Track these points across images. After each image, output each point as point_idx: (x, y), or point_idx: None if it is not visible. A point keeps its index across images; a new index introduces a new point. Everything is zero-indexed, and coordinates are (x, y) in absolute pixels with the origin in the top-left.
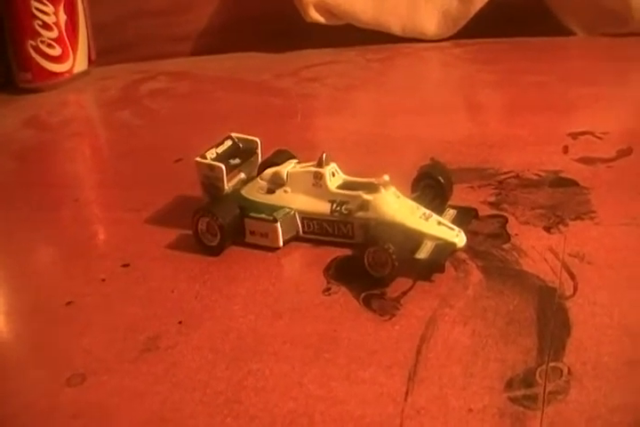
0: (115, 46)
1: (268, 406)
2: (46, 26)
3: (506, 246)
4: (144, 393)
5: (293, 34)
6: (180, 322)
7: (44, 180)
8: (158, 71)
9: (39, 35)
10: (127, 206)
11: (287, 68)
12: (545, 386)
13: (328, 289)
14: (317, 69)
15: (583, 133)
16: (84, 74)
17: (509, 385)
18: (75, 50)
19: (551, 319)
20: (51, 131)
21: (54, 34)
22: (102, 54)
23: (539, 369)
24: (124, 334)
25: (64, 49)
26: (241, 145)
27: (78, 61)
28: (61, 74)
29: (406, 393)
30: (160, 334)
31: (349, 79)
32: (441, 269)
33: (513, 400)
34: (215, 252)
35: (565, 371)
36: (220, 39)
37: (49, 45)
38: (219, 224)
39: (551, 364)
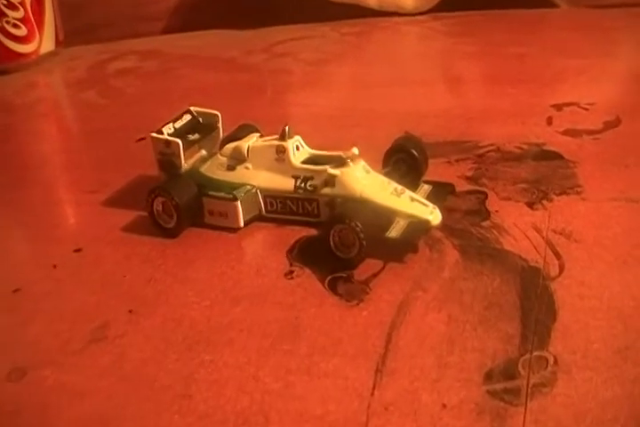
0: (84, 26)
1: (219, 402)
2: (11, 5)
3: (485, 224)
4: (87, 389)
5: (266, 10)
6: (130, 310)
7: (4, 161)
8: (127, 50)
9: (4, 15)
10: (84, 188)
11: (258, 45)
12: (528, 378)
13: (291, 272)
14: (290, 45)
15: (568, 105)
16: (51, 55)
17: (489, 377)
18: (41, 30)
19: (535, 303)
20: (16, 113)
21: (20, 14)
22: (72, 35)
23: (521, 359)
24: (72, 323)
25: (30, 29)
26: (201, 119)
27: (45, 42)
28: (28, 55)
29: (373, 387)
30: (109, 322)
31: (323, 54)
32: (414, 248)
33: (492, 394)
34: (172, 234)
35: (551, 361)
36: (191, 17)
37: (14, 26)
38: (175, 204)
39: (535, 353)
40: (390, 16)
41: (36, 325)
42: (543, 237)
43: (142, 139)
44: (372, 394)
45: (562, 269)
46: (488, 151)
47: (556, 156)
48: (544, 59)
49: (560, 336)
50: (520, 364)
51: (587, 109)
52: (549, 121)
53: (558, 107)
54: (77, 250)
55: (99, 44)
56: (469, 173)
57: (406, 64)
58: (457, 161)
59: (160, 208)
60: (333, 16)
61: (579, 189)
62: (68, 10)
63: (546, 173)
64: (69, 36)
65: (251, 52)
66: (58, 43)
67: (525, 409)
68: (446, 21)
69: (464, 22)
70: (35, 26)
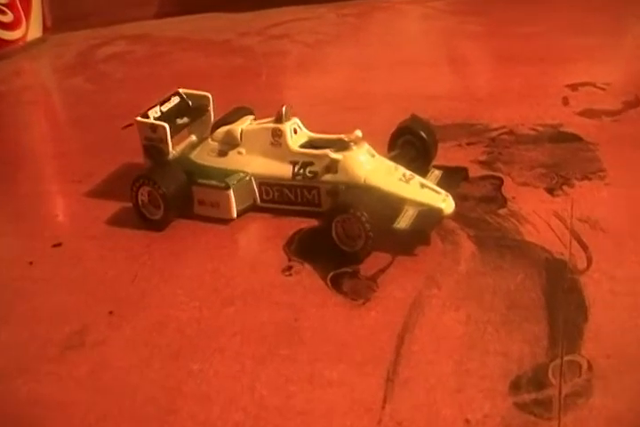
0: (75, 13)
1: (210, 417)
2: None
3: (502, 212)
4: (63, 401)
5: None
6: (111, 312)
7: None
8: (116, 35)
9: None
10: (68, 178)
11: (254, 27)
12: (560, 387)
13: (289, 268)
14: (286, 26)
15: (583, 84)
16: (39, 41)
17: (516, 387)
18: (28, 16)
19: (563, 300)
20: (1, 100)
21: None
22: (63, 21)
23: (551, 365)
24: (47, 327)
25: (16, 15)
26: (190, 102)
27: (32, 28)
28: (14, 41)
29: (384, 399)
30: (88, 326)
31: (321, 35)
32: (425, 240)
33: (521, 407)
34: (159, 226)
35: (585, 366)
36: (185, 2)
37: (0, 11)
38: (161, 193)
39: (566, 357)
40: None
41: (9, 328)
42: (567, 227)
43: (129, 125)
44: (383, 407)
45: (590, 261)
46: (501, 134)
47: (574, 138)
48: (555, 38)
49: (593, 338)
50: (550, 370)
51: (603, 89)
52: (565, 101)
53: (573, 87)
54: (56, 245)
55: (89, 29)
56: (482, 158)
57: (408, 45)
58: (468, 144)
59: (145, 198)
60: None
61: (602, 174)
62: None
63: (565, 157)
64: (60, 22)
65: (245, 34)
66: (45, 29)
67: (559, 424)
68: (449, 0)
69: (468, 1)
70: (21, 11)
